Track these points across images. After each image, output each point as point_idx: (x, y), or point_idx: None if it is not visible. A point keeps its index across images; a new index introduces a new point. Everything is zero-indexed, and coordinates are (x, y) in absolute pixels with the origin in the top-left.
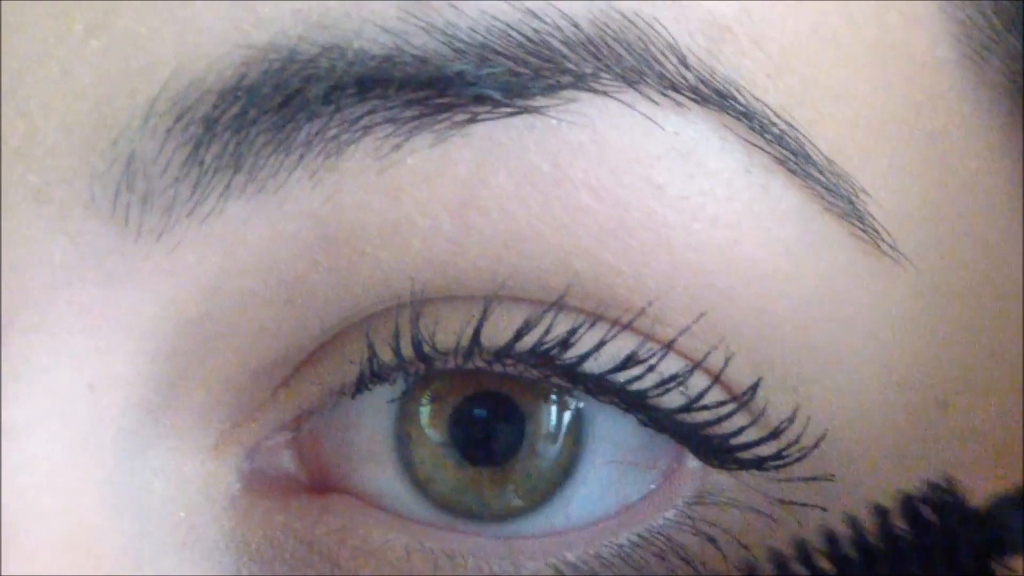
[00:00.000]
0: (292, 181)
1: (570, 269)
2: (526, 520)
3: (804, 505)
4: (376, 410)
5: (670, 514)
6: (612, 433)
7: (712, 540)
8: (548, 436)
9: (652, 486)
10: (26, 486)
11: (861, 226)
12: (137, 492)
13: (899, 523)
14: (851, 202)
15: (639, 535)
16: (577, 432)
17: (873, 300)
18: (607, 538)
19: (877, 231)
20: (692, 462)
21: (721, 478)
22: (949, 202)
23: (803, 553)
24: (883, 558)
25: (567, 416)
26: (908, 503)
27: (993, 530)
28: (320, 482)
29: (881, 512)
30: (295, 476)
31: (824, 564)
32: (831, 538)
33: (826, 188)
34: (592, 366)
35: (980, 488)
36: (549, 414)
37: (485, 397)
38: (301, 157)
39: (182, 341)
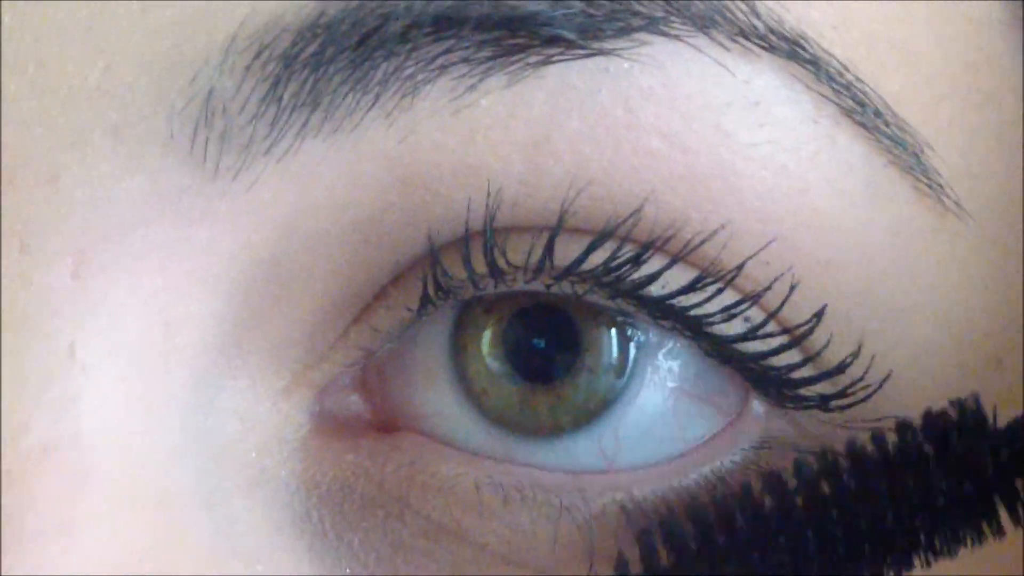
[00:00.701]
0: (368, 120)
1: (639, 213)
2: (578, 438)
3: None
4: (433, 326)
5: (736, 457)
6: (665, 361)
7: None
8: (600, 355)
9: (716, 428)
10: (101, 422)
11: (926, 181)
12: (209, 431)
13: (924, 440)
14: (916, 156)
15: (704, 476)
16: (629, 354)
17: (935, 255)
18: (674, 478)
19: (941, 186)
20: (756, 407)
21: (785, 425)
22: (1007, 162)
23: (829, 465)
24: (909, 470)
25: (619, 338)
26: (932, 419)
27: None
28: (388, 422)
29: (905, 427)
30: (363, 415)
31: (848, 478)
32: (855, 450)
33: (892, 141)
34: (658, 289)
35: None
36: (601, 333)
37: (539, 312)
38: (377, 96)
39: (257, 281)
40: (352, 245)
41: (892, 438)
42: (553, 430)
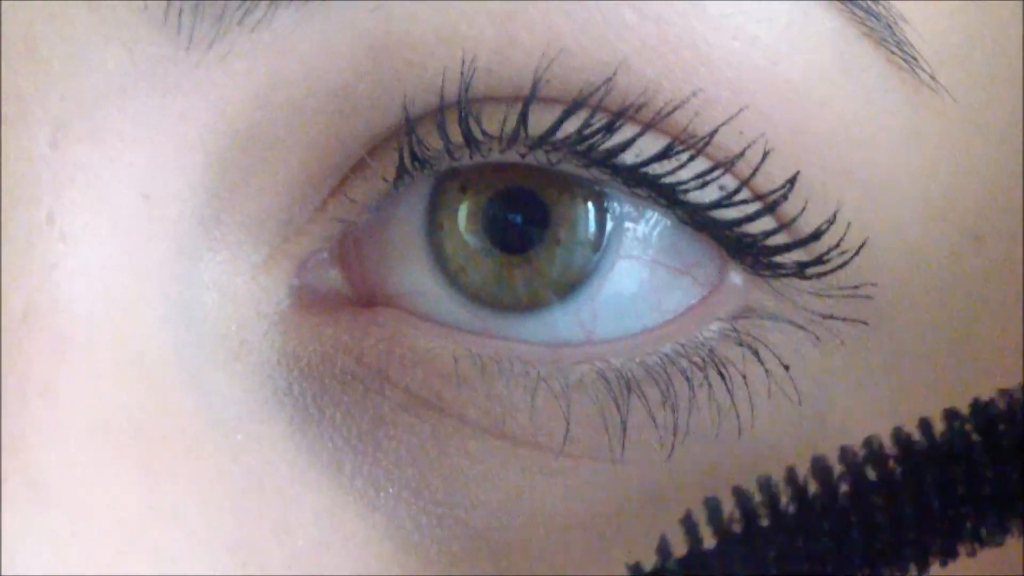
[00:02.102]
0: None
1: (611, 82)
2: (558, 313)
3: (846, 320)
4: (408, 205)
5: (714, 327)
6: (641, 233)
7: (755, 352)
8: (574, 226)
9: (694, 300)
10: (81, 290)
11: (900, 53)
12: (189, 303)
13: (970, 427)
14: (890, 28)
15: (682, 345)
16: (604, 227)
17: (910, 129)
18: (651, 346)
19: (916, 59)
20: (735, 278)
21: (763, 295)
22: (988, 37)
23: (874, 453)
24: (956, 459)
25: (594, 211)
26: (980, 408)
27: None
28: (366, 297)
29: (952, 415)
30: (342, 291)
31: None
32: (901, 438)
33: (866, 12)
34: (631, 157)
35: (1012, 326)
36: (576, 207)
37: (514, 193)
38: None
39: (233, 152)
40: (327, 115)
41: (940, 426)
42: (531, 304)
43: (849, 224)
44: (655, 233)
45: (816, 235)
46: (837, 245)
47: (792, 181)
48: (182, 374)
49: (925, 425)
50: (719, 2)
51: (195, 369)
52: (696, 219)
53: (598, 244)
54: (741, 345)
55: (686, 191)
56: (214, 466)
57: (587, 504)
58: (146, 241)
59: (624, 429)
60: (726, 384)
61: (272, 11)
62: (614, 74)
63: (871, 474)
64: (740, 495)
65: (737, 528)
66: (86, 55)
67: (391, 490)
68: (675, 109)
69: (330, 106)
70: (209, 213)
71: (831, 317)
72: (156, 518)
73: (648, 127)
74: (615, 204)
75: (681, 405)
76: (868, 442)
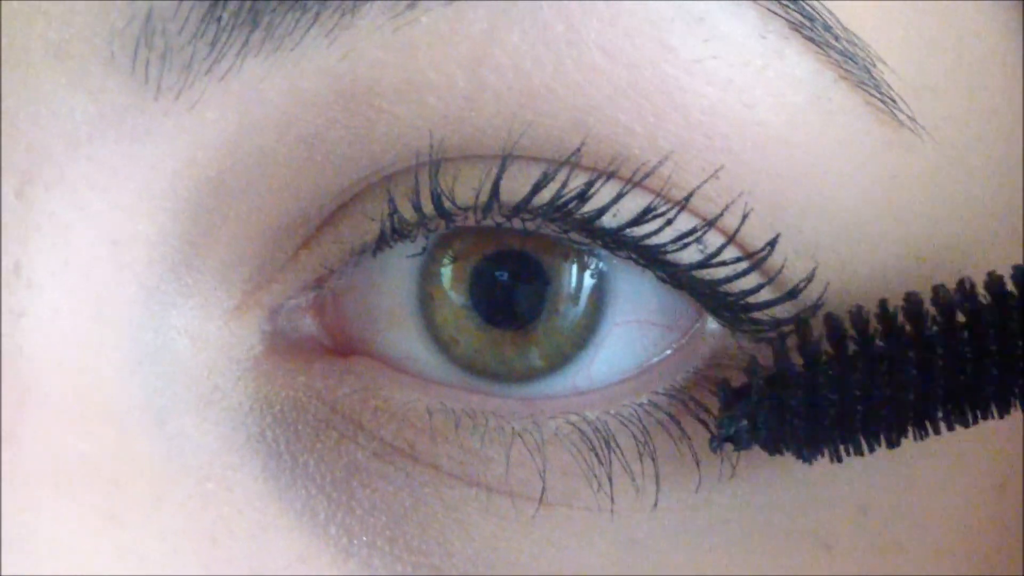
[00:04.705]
0: (308, 39)
1: (584, 127)
2: (549, 381)
3: None
4: (398, 272)
5: (688, 373)
6: (632, 293)
7: None
8: (570, 297)
9: (671, 349)
10: (48, 338)
11: (878, 95)
12: (159, 349)
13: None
14: (867, 70)
15: (658, 394)
16: (598, 293)
17: (891, 171)
18: (627, 398)
19: (894, 100)
20: (711, 325)
21: (741, 339)
22: (967, 77)
23: (968, 296)
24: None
25: (588, 276)
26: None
27: None
28: (343, 345)
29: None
30: (317, 339)
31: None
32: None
33: (842, 55)
34: (609, 220)
35: None
36: (570, 274)
37: (507, 257)
38: (317, 15)
39: (203, 199)
40: (298, 163)
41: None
42: (524, 376)
43: (828, 284)
44: (638, 290)
45: (793, 293)
46: (815, 303)
47: (772, 244)
48: (151, 420)
49: (1020, 273)
50: (692, 47)
51: (165, 415)
52: (676, 279)
53: (593, 311)
54: (716, 395)
55: (667, 252)
56: (183, 513)
57: (566, 553)
58: (115, 287)
59: (602, 480)
60: (708, 427)
61: (241, 60)
62: (582, 145)
63: (960, 316)
64: (831, 323)
65: (823, 357)
66: (52, 104)
67: (365, 538)
68: (647, 176)
69: (302, 153)
70: (180, 259)
71: None
72: (123, 566)
73: (622, 195)
74: (603, 266)
75: (660, 454)
76: (960, 284)
